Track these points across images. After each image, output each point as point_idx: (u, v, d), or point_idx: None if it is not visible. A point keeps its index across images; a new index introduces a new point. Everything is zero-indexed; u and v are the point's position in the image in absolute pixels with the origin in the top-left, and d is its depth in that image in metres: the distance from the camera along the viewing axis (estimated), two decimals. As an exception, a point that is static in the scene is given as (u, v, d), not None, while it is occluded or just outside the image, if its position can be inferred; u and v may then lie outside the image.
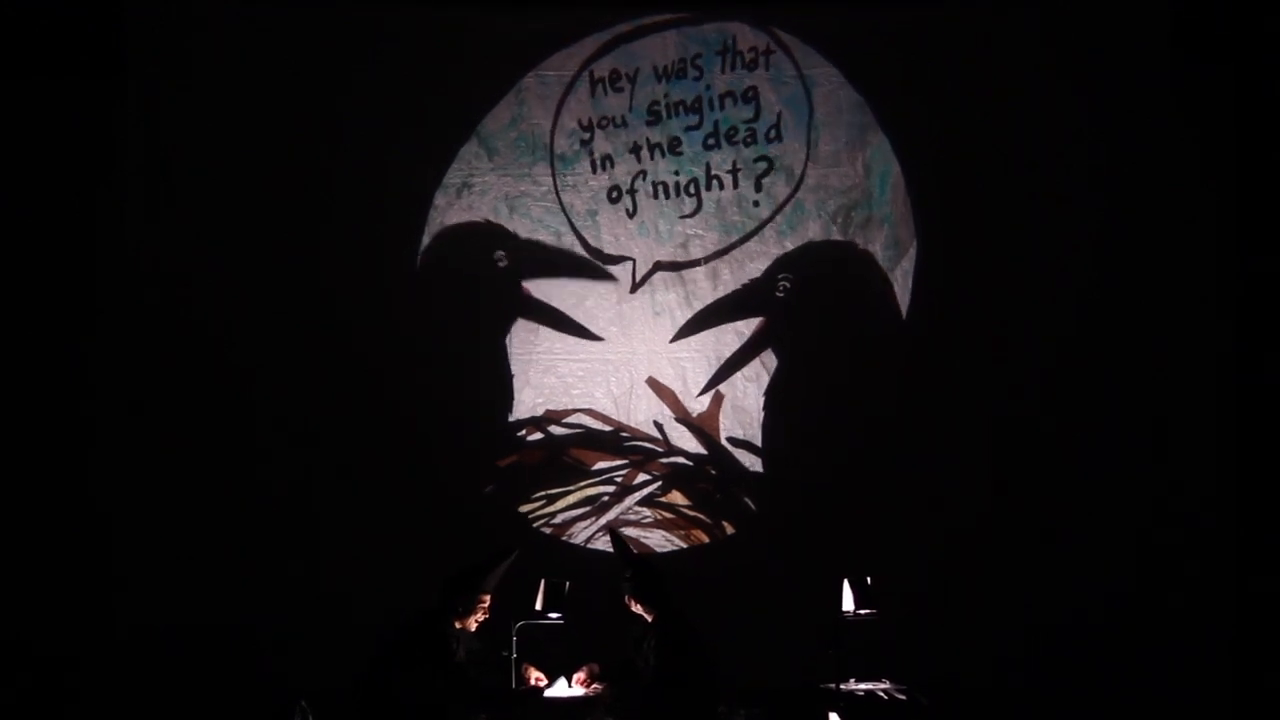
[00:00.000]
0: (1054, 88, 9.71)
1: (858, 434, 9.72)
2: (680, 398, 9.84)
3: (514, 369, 9.82)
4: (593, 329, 9.84)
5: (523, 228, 9.86)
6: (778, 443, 9.78)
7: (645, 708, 7.92)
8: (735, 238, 9.86)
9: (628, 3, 9.87)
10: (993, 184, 9.75)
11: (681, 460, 9.82)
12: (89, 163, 9.65)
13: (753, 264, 9.88)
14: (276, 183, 9.67)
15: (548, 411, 9.83)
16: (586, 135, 9.87)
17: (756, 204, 9.87)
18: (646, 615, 8.08)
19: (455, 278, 9.83)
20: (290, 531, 9.54)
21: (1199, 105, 9.70)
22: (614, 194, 9.88)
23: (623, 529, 9.42)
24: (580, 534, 9.78)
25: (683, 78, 9.87)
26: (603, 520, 9.77)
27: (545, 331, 9.83)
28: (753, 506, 9.81)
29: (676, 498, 9.81)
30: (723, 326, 9.84)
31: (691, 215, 9.88)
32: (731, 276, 9.87)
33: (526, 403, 9.82)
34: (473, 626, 8.10)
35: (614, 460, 9.82)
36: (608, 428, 9.83)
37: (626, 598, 8.13)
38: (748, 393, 9.83)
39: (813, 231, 9.87)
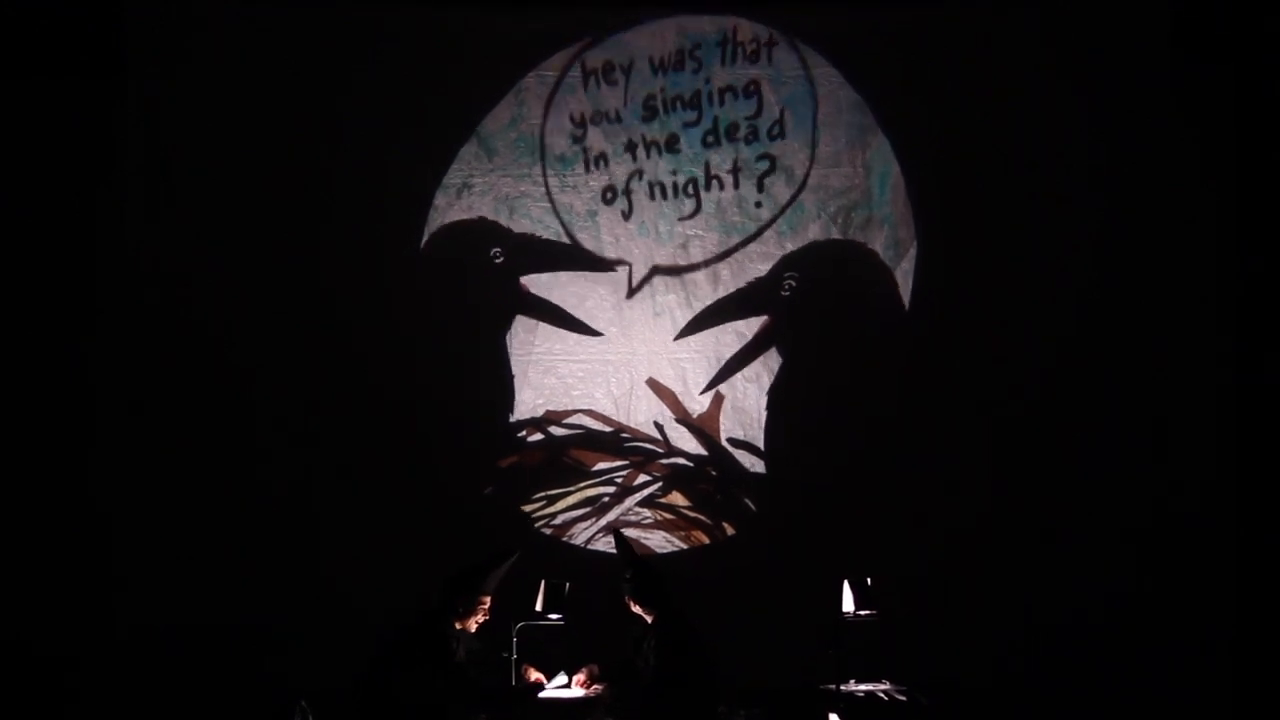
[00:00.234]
0: (1054, 88, 9.71)
1: (858, 435, 9.72)
2: (680, 398, 9.84)
3: (514, 370, 9.82)
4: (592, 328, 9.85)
5: (522, 228, 9.86)
6: (778, 443, 9.78)
7: (645, 708, 7.92)
8: (735, 239, 9.86)
9: (628, 3, 9.86)
10: (993, 184, 9.75)
11: (682, 461, 9.82)
12: (89, 163, 9.65)
13: (753, 265, 9.88)
14: (276, 183, 9.67)
15: (548, 412, 9.83)
16: (582, 133, 9.87)
17: (758, 204, 9.87)
18: (646, 616, 8.08)
19: (453, 276, 9.82)
20: (290, 531, 9.54)
21: (1199, 105, 9.70)
22: (610, 195, 9.87)
23: (624, 530, 9.42)
24: (580, 535, 9.78)
25: (681, 71, 9.87)
26: (603, 521, 9.77)
27: (545, 332, 9.83)
28: (753, 507, 9.81)
29: (677, 498, 9.81)
30: (723, 327, 9.84)
31: (691, 216, 9.88)
32: (732, 278, 9.87)
33: (527, 403, 9.82)
34: (472, 627, 8.10)
35: (614, 461, 9.82)
36: (608, 428, 9.83)
37: (626, 598, 8.13)
38: (748, 394, 9.83)
39: (813, 232, 9.88)
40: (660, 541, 9.77)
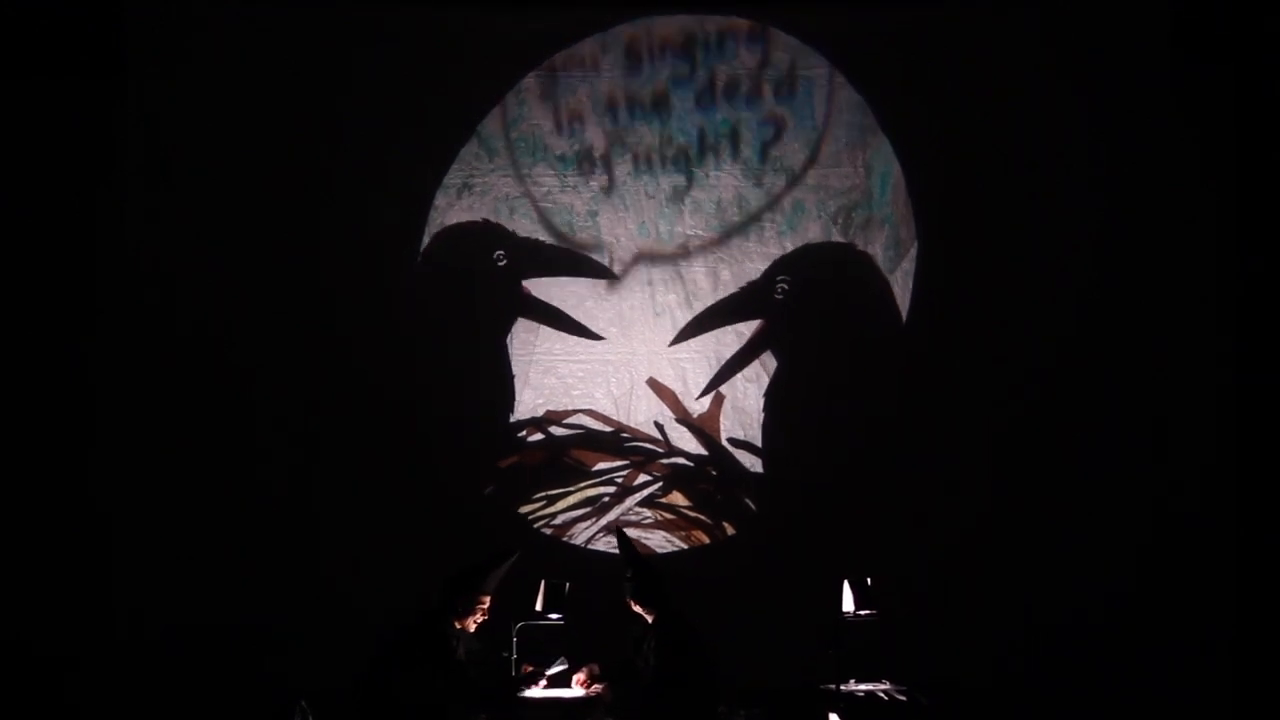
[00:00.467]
0: (1054, 88, 9.71)
1: (858, 435, 9.72)
2: (680, 398, 9.84)
3: (514, 370, 9.82)
4: (593, 329, 9.83)
5: (523, 228, 9.86)
6: (778, 443, 9.79)
7: (645, 708, 7.92)
8: (736, 239, 9.86)
9: (628, 3, 9.86)
10: (993, 184, 9.75)
11: (682, 461, 9.82)
12: (89, 163, 9.64)
13: (752, 264, 9.88)
14: (276, 183, 9.67)
15: (548, 412, 9.83)
16: (582, 133, 9.87)
17: (758, 205, 9.86)
18: (647, 616, 8.08)
19: (455, 278, 9.83)
20: (290, 532, 9.54)
21: (1199, 105, 9.70)
22: (613, 194, 9.87)
23: (624, 529, 9.41)
24: (580, 535, 9.78)
25: (681, 71, 9.86)
26: (603, 521, 9.77)
27: (545, 332, 9.83)
28: (753, 507, 9.81)
29: (677, 498, 9.81)
30: (723, 329, 9.83)
31: (692, 216, 9.88)
32: (731, 277, 9.88)
33: (527, 403, 9.82)
34: (471, 627, 8.09)
35: (614, 461, 9.82)
36: (608, 428, 9.83)
37: (627, 598, 8.13)
38: (748, 394, 9.83)
39: (813, 232, 9.88)
40: (660, 541, 9.77)
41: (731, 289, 9.86)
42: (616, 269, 9.87)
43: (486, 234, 9.85)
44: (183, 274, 9.62)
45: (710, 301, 9.86)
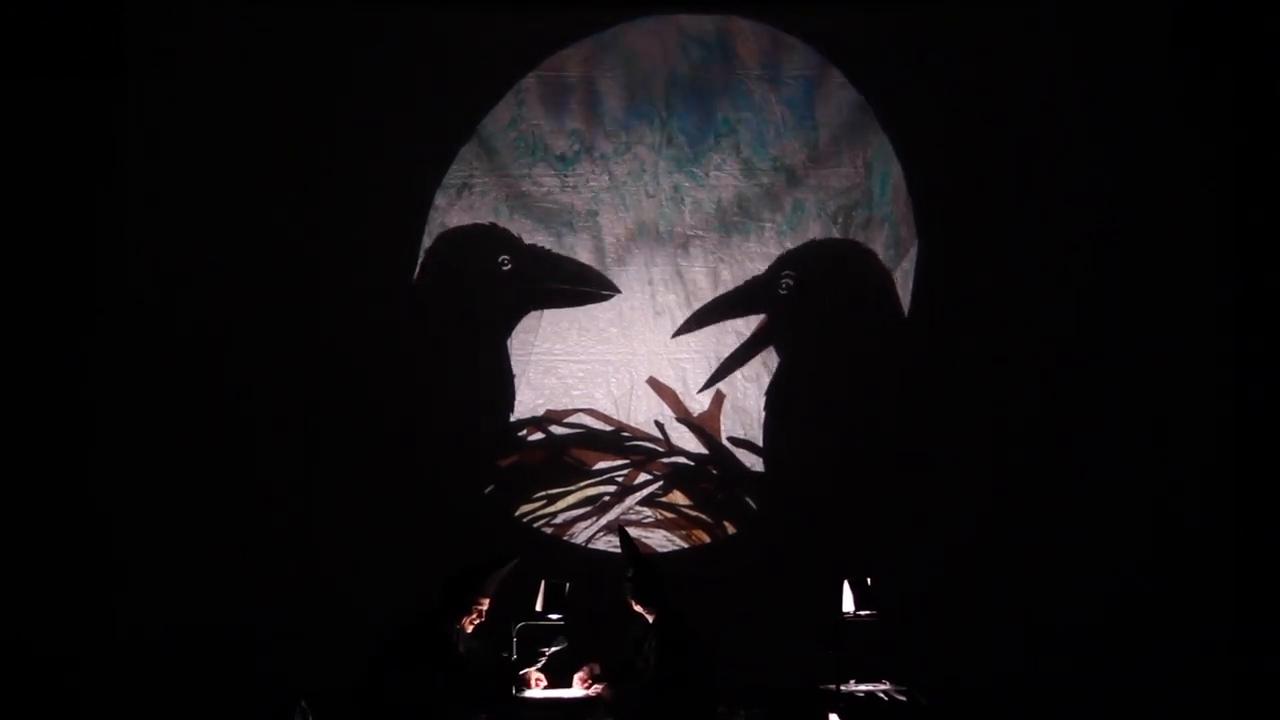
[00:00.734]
0: (1054, 87, 9.72)
1: (859, 434, 9.72)
2: (681, 398, 9.84)
3: (514, 369, 9.82)
4: (593, 330, 9.84)
5: (523, 228, 9.86)
6: (779, 442, 9.79)
7: (645, 708, 7.92)
8: (736, 238, 9.87)
9: (628, 3, 9.86)
10: (993, 183, 9.75)
11: (682, 460, 9.82)
12: (89, 163, 9.64)
13: (752, 264, 9.88)
14: (276, 183, 9.67)
15: (548, 412, 9.83)
16: (582, 133, 9.86)
17: (758, 204, 9.86)
18: (647, 616, 8.07)
19: (457, 279, 9.83)
20: (290, 531, 9.54)
21: (1199, 105, 9.70)
22: (613, 194, 9.87)
23: (626, 528, 9.42)
24: (581, 534, 9.78)
25: (681, 71, 9.86)
26: (603, 520, 9.77)
27: (545, 332, 9.82)
28: (754, 506, 9.81)
29: (677, 497, 9.81)
30: (723, 327, 9.84)
31: (692, 215, 9.88)
32: (731, 277, 9.88)
33: (527, 403, 9.82)
34: (469, 628, 8.09)
35: (615, 460, 9.82)
36: (608, 428, 9.83)
37: (628, 598, 8.13)
38: (748, 393, 9.84)
39: (813, 232, 9.88)
40: (661, 540, 9.77)
41: (731, 289, 9.86)
42: (616, 269, 9.86)
43: (492, 238, 9.85)
44: (182, 274, 9.63)
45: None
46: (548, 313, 9.84)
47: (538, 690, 8.22)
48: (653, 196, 9.90)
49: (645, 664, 7.98)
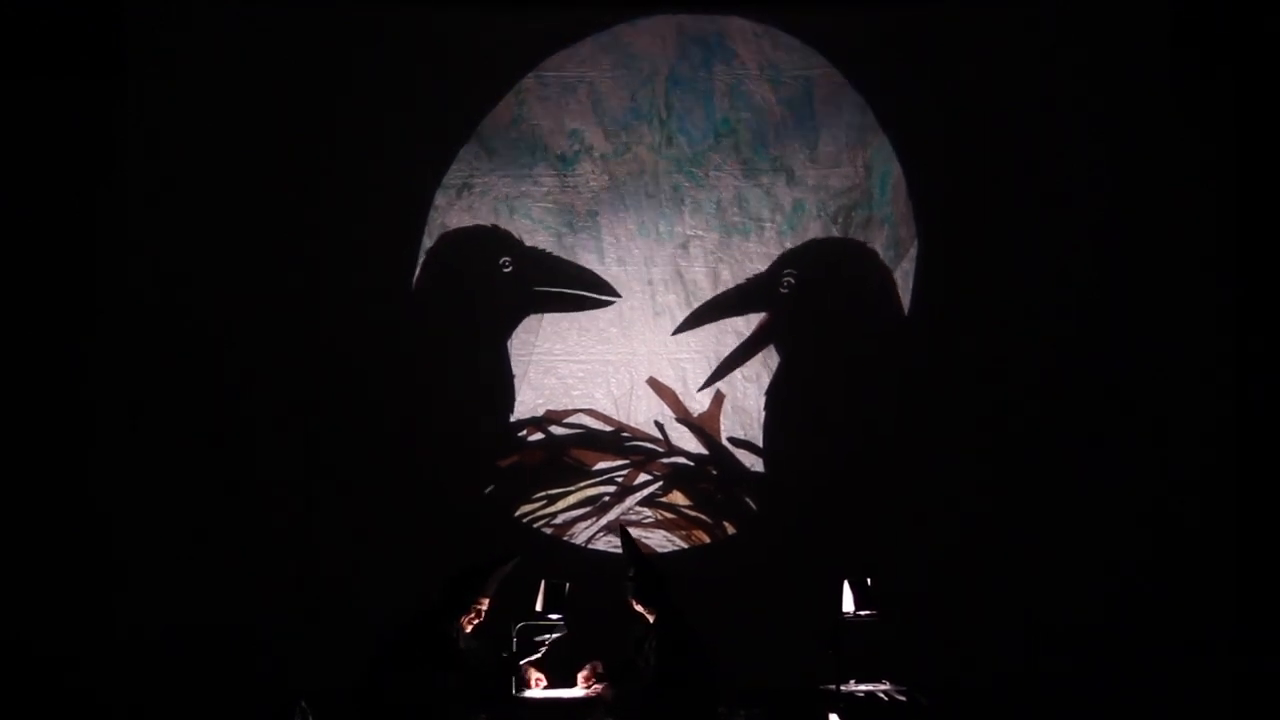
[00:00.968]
0: (1054, 87, 9.72)
1: (859, 434, 9.72)
2: (681, 398, 9.84)
3: (514, 369, 9.82)
4: (593, 330, 9.84)
5: (523, 228, 9.86)
6: (778, 443, 9.79)
7: (645, 708, 7.92)
8: (736, 239, 9.87)
9: (628, 3, 9.86)
10: (993, 184, 9.75)
11: (682, 460, 9.82)
12: (89, 163, 9.64)
13: (752, 264, 9.88)
14: (276, 183, 9.67)
15: (548, 412, 9.83)
16: (582, 133, 9.86)
17: (758, 204, 9.86)
18: (648, 615, 8.08)
19: (458, 280, 9.82)
20: (290, 532, 9.53)
21: (1199, 105, 9.70)
22: (613, 194, 9.87)
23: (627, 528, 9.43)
24: (581, 534, 9.78)
25: (681, 70, 9.86)
26: (603, 520, 9.77)
27: (545, 332, 9.82)
28: (754, 506, 9.81)
29: (677, 498, 9.81)
30: (723, 327, 9.84)
31: (692, 215, 9.88)
32: (731, 277, 9.88)
33: (527, 403, 9.82)
34: (468, 628, 8.09)
35: (615, 460, 9.82)
36: (608, 428, 9.83)
37: (628, 598, 8.13)
38: (748, 393, 9.84)
39: (813, 232, 9.88)
40: (661, 541, 9.77)
41: (732, 287, 9.86)
42: (616, 269, 9.86)
43: (494, 239, 9.85)
44: (182, 274, 9.62)
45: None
46: (548, 313, 9.84)
47: (538, 690, 8.22)
48: (653, 196, 9.90)
49: (645, 664, 7.98)
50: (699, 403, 9.84)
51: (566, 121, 9.88)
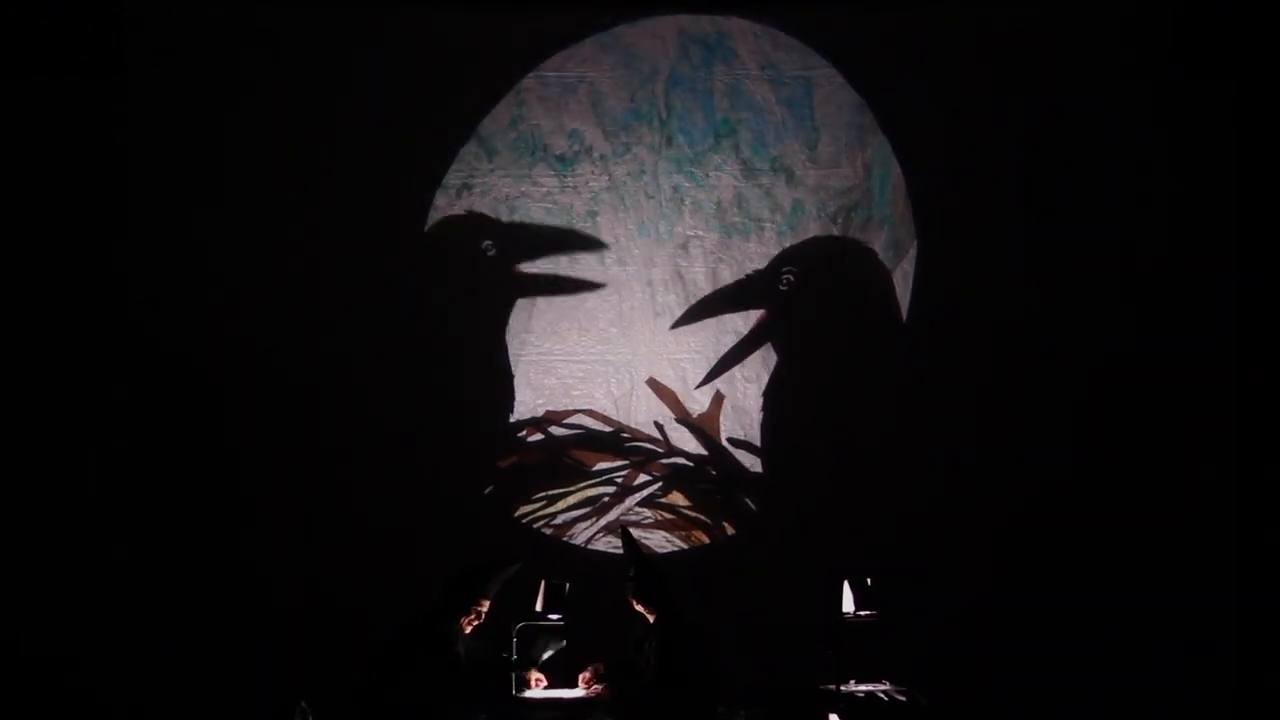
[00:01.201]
0: (1054, 88, 9.71)
1: (858, 434, 9.72)
2: (681, 398, 9.84)
3: (514, 370, 9.82)
4: (593, 330, 9.83)
5: (514, 221, 9.85)
6: (778, 443, 9.78)
7: (645, 708, 7.92)
8: (736, 239, 9.87)
9: (627, 3, 9.86)
10: (992, 184, 9.75)
11: (682, 461, 9.82)
12: (89, 163, 9.64)
13: (752, 264, 9.88)
14: (276, 183, 9.67)
15: (548, 412, 9.83)
16: (582, 133, 9.86)
17: (758, 204, 9.86)
18: (648, 615, 8.07)
19: (449, 275, 9.82)
20: (290, 532, 9.53)
21: (1199, 106, 9.70)
22: (613, 194, 9.87)
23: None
24: (581, 535, 9.78)
25: (681, 71, 9.86)
26: (603, 521, 9.77)
27: (545, 331, 9.82)
28: (753, 507, 9.81)
29: (677, 498, 9.81)
30: (723, 327, 9.84)
31: (692, 215, 9.88)
32: (731, 277, 9.88)
33: (527, 403, 9.82)
34: (468, 629, 8.09)
35: (614, 461, 9.82)
36: (608, 428, 9.83)
37: (629, 598, 8.13)
38: (748, 393, 9.84)
39: (813, 232, 9.88)
40: (660, 541, 9.77)
41: (731, 283, 9.86)
42: (616, 269, 9.86)
43: (471, 225, 9.84)
44: (182, 274, 9.62)
45: (711, 300, 9.90)
46: (547, 312, 9.83)
47: (538, 690, 8.22)
48: (652, 197, 9.90)
49: (645, 664, 7.98)
50: (699, 403, 9.84)
51: (566, 121, 9.88)
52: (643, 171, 9.89)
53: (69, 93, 9.66)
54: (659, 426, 9.84)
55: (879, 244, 9.87)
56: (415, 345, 9.76)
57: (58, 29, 9.64)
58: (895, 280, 9.83)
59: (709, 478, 9.83)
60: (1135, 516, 9.56)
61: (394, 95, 9.74)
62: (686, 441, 9.84)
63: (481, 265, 9.82)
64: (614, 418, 9.84)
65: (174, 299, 9.61)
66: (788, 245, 9.86)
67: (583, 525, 9.79)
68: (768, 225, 9.89)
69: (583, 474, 9.83)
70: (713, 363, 9.84)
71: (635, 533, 9.32)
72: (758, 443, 9.82)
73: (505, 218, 9.85)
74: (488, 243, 9.83)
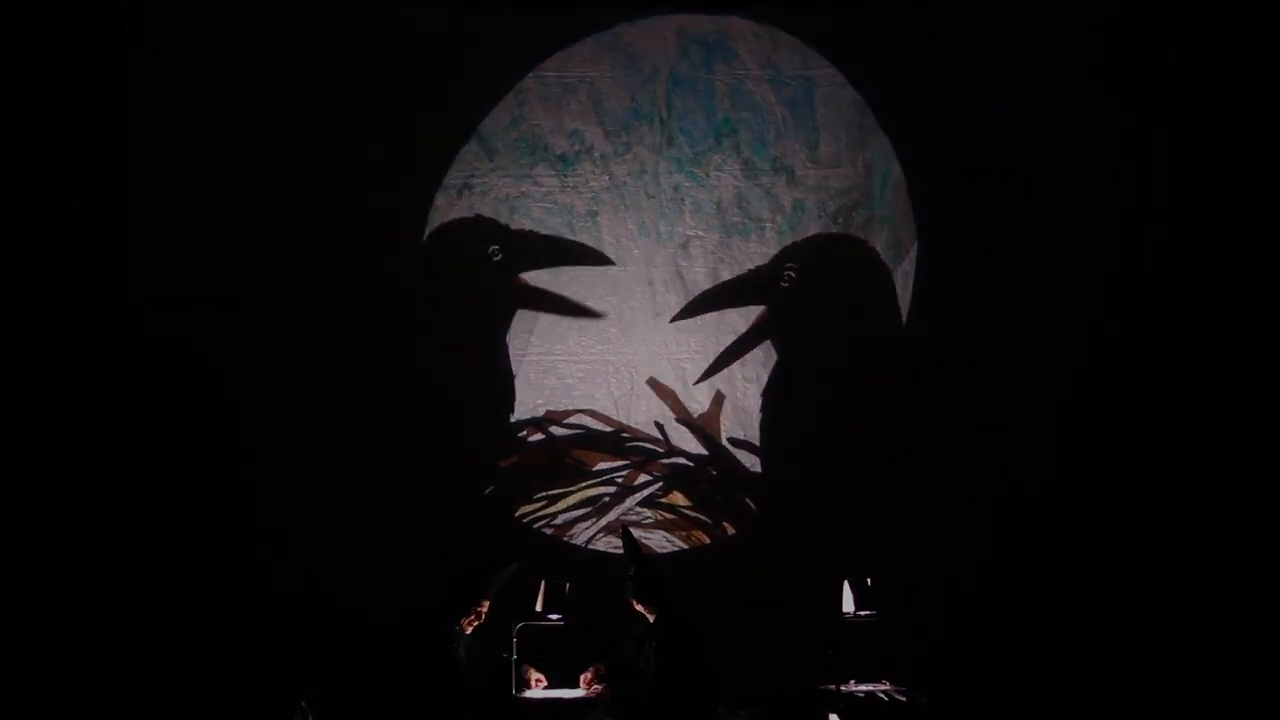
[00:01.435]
0: (1054, 87, 9.72)
1: (858, 434, 9.72)
2: (681, 398, 9.84)
3: (514, 370, 9.82)
4: (593, 330, 9.83)
5: (522, 229, 9.85)
6: (778, 443, 9.78)
7: (645, 708, 7.92)
8: (736, 239, 9.86)
9: (628, 3, 9.87)
10: (993, 184, 9.75)
11: (682, 461, 9.82)
12: (89, 163, 9.64)
13: (752, 264, 9.88)
14: (275, 183, 9.67)
15: (548, 412, 9.83)
16: (582, 133, 9.86)
17: (759, 205, 9.86)
18: (648, 615, 8.08)
19: (452, 276, 9.82)
20: (291, 532, 9.52)
21: (1199, 105, 9.70)
22: (613, 194, 9.87)
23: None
24: (581, 535, 9.78)
25: (681, 71, 9.86)
26: (603, 521, 9.77)
27: (544, 332, 9.82)
28: (753, 507, 9.81)
29: (677, 498, 9.81)
30: (724, 326, 9.84)
31: (692, 215, 9.88)
32: (731, 277, 9.87)
33: (527, 404, 9.82)
34: (467, 630, 8.09)
35: (615, 461, 9.82)
36: (608, 428, 9.83)
37: (629, 598, 8.13)
38: (748, 393, 9.84)
39: (813, 232, 9.88)
40: (661, 541, 9.77)
41: (732, 278, 9.87)
42: (616, 270, 9.86)
43: (480, 229, 9.84)
44: (182, 274, 9.62)
45: (711, 299, 9.91)
46: (543, 313, 9.84)
47: (538, 690, 8.23)
48: (653, 197, 9.90)
49: (646, 664, 7.98)
50: (699, 403, 9.84)
51: (567, 121, 9.88)
52: (643, 171, 9.89)
53: (69, 93, 9.65)
54: (659, 426, 9.84)
55: (879, 244, 9.87)
56: (416, 345, 9.76)
57: (58, 29, 9.64)
58: (895, 280, 9.83)
59: (709, 478, 9.83)
60: (1135, 516, 9.56)
61: (394, 95, 9.74)
62: (687, 441, 9.84)
63: (486, 268, 9.82)
64: (614, 418, 9.84)
65: (174, 299, 9.60)
66: (788, 245, 9.86)
67: (583, 525, 9.79)
68: (768, 225, 9.89)
69: (583, 474, 9.83)
70: (712, 361, 9.83)
71: (635, 533, 9.32)
72: (758, 443, 9.82)
73: (505, 218, 9.85)
74: (495, 248, 9.83)
